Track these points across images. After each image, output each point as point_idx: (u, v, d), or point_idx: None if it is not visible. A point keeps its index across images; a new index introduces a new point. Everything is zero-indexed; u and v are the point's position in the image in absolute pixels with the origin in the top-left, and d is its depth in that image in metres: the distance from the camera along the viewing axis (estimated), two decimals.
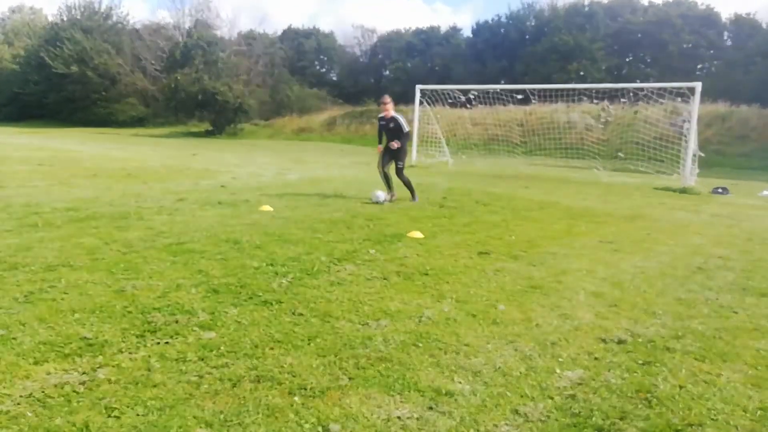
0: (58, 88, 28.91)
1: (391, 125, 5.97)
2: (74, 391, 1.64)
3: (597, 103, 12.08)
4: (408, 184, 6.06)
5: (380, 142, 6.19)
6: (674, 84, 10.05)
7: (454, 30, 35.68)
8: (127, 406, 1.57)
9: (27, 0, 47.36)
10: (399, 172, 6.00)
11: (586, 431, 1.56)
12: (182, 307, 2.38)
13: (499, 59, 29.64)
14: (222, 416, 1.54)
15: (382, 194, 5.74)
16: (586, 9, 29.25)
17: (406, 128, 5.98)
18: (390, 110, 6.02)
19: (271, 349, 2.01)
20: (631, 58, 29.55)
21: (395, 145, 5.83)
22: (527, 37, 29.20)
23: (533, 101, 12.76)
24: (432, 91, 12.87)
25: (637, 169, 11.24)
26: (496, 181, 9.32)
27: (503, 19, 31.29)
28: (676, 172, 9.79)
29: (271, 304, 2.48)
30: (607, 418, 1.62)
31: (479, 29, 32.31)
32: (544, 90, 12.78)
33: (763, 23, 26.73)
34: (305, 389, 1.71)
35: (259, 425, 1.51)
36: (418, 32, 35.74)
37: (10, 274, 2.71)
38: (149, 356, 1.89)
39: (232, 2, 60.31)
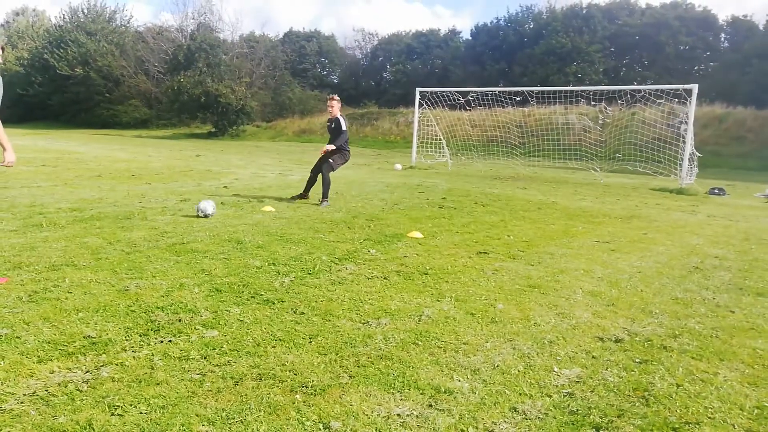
0: (62, 89, 29.06)
1: (333, 125, 5.81)
2: (78, 390, 1.65)
3: (595, 105, 12.13)
4: (327, 185, 5.66)
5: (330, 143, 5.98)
6: (671, 86, 10.09)
7: (454, 33, 35.84)
8: (131, 404, 1.58)
9: (30, 2, 47.62)
10: (328, 167, 5.70)
11: (584, 429, 1.57)
12: (185, 306, 2.40)
13: (498, 61, 29.76)
14: (224, 414, 1.56)
15: (209, 206, 4.52)
16: (584, 11, 29.38)
17: (344, 127, 5.74)
18: (335, 110, 5.76)
19: (273, 347, 2.03)
20: (628, 60, 29.67)
21: (330, 148, 5.61)
22: (525, 39, 29.32)
23: (531, 103, 12.82)
24: (431, 93, 12.93)
25: (635, 170, 11.29)
26: (494, 182, 9.33)
27: (502, 22, 31.45)
28: (674, 173, 9.83)
29: (273, 303, 2.50)
30: (605, 416, 1.64)
31: (478, 32, 32.46)
32: (543, 92, 12.85)
33: (760, 25, 26.86)
34: (307, 387, 1.73)
35: (261, 423, 1.52)
36: (418, 35, 35.87)
37: (14, 274, 2.73)
38: (152, 355, 1.91)
39: (235, 5, 60.55)
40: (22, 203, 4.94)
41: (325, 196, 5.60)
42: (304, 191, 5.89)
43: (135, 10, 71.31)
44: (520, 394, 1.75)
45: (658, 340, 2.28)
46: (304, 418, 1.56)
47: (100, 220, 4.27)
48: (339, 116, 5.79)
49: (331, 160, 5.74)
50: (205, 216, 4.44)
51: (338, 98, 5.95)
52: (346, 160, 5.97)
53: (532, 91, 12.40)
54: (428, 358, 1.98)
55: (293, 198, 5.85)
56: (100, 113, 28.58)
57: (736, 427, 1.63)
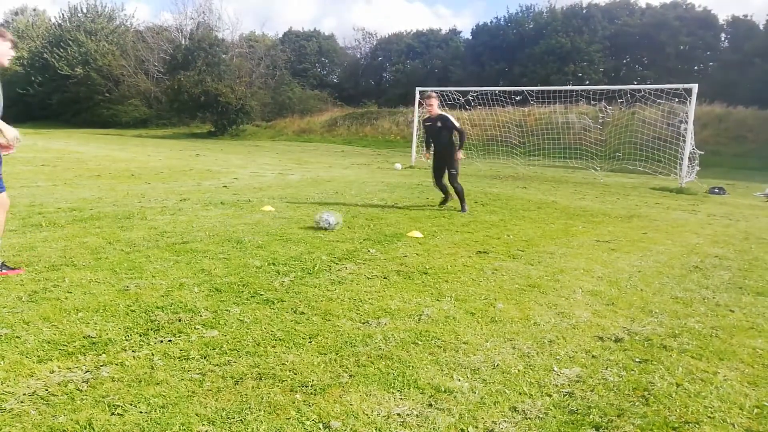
0: (62, 89, 29.07)
1: (439, 124, 5.13)
2: (78, 389, 1.65)
3: (594, 105, 12.14)
4: (460, 193, 5.31)
5: (428, 148, 5.40)
6: (671, 86, 10.10)
7: (454, 32, 35.83)
8: (131, 404, 1.58)
9: (30, 2, 47.61)
10: (453, 178, 5.28)
11: (583, 428, 1.57)
12: (185, 305, 2.40)
13: (498, 61, 29.75)
14: (224, 413, 1.56)
15: (331, 217, 4.19)
16: (584, 11, 29.36)
17: (458, 124, 5.14)
18: (435, 108, 5.17)
19: (273, 347, 2.03)
20: (628, 60, 29.66)
21: (460, 155, 5.13)
22: (525, 39, 29.31)
23: (531, 103, 12.83)
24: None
25: (635, 169, 11.29)
26: (494, 182, 9.34)
27: (502, 22, 31.46)
28: (673, 173, 9.84)
29: (273, 302, 2.51)
30: (605, 416, 1.64)
31: (478, 32, 32.45)
32: (542, 92, 12.85)
33: (760, 25, 26.86)
34: (307, 386, 1.73)
35: (261, 422, 1.52)
36: (418, 34, 35.86)
37: (14, 273, 2.74)
38: (152, 354, 1.91)
39: (235, 5, 60.51)
40: (21, 203, 4.94)
41: (463, 202, 5.34)
42: (444, 195, 5.45)
43: (135, 9, 71.32)
44: (520, 394, 1.76)
45: (658, 339, 2.28)
46: (304, 418, 1.56)
47: (100, 219, 4.27)
48: (443, 113, 5.21)
49: (453, 170, 5.25)
50: (328, 226, 4.09)
51: (435, 94, 5.29)
52: (459, 156, 5.40)
53: (532, 91, 12.40)
54: (428, 358, 1.99)
55: (441, 204, 5.41)
56: (101, 113, 28.58)
57: (736, 426, 1.63)
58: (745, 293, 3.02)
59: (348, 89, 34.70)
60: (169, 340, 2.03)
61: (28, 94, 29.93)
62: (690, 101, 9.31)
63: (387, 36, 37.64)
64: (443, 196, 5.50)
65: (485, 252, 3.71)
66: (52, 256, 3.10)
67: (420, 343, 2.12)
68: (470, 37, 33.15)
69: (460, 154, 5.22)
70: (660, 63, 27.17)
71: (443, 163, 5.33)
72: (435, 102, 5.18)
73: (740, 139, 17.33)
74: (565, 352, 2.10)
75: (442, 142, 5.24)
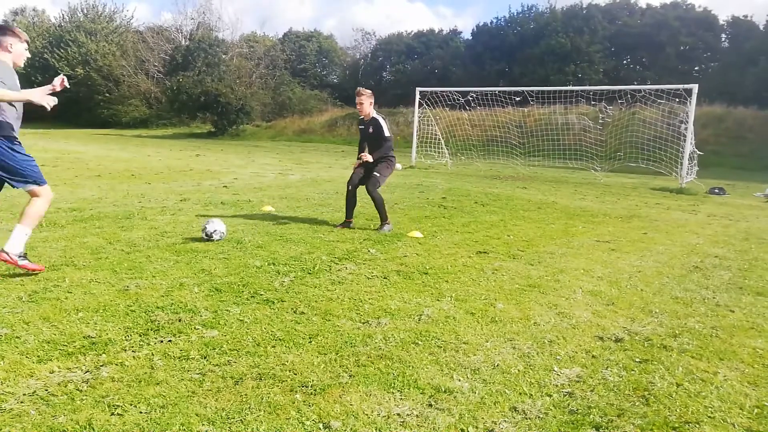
0: (63, 89, 29.04)
1: (370, 130, 4.23)
2: (78, 390, 1.65)
3: (595, 105, 12.15)
4: (381, 204, 4.28)
5: (361, 152, 4.40)
6: (671, 86, 10.12)
7: (454, 33, 35.89)
8: (131, 404, 1.58)
9: (30, 2, 47.66)
10: (374, 182, 4.22)
11: (583, 428, 1.57)
12: (185, 305, 2.40)
13: (498, 62, 29.77)
14: (224, 413, 1.56)
15: (218, 226, 3.67)
16: (584, 12, 29.39)
17: (387, 132, 4.22)
18: (365, 107, 4.19)
19: (273, 347, 2.03)
20: (628, 60, 29.70)
21: (368, 158, 4.16)
22: (525, 39, 29.33)
23: (531, 103, 12.83)
24: (431, 93, 12.94)
25: (638, 167, 11.29)
26: (494, 182, 9.35)
27: (502, 22, 31.51)
28: (674, 172, 9.85)
29: (273, 302, 2.51)
30: (605, 416, 1.64)
31: (478, 32, 32.51)
32: (542, 92, 12.86)
33: (761, 25, 26.88)
34: (307, 387, 1.73)
35: (261, 422, 1.52)
36: (418, 35, 35.91)
37: (14, 274, 2.73)
38: (152, 354, 1.91)
39: (235, 5, 60.57)
40: (21, 203, 4.92)
41: (384, 218, 4.32)
42: (347, 217, 4.41)
43: (135, 10, 71.38)
44: (520, 394, 1.75)
45: (658, 339, 2.28)
46: (304, 418, 1.56)
47: (100, 219, 4.28)
48: (376, 116, 4.26)
49: (377, 173, 4.24)
50: (210, 238, 3.62)
51: (369, 91, 4.25)
52: (393, 168, 4.42)
53: (532, 91, 12.41)
54: (428, 358, 1.99)
55: (340, 226, 4.38)
56: (101, 113, 28.62)
57: (736, 426, 1.63)
58: (745, 293, 3.02)
59: (348, 89, 34.57)
60: (169, 340, 2.03)
61: None
62: (690, 101, 9.33)
63: (387, 36, 37.71)
64: (347, 214, 4.39)
65: (485, 252, 3.71)
66: (53, 256, 3.11)
67: (420, 343, 2.12)
68: (470, 38, 33.19)
69: (367, 157, 4.20)
70: (660, 63, 27.19)
71: (371, 169, 4.29)
72: (366, 100, 4.17)
73: (740, 140, 17.33)
74: (566, 352, 2.10)
75: (373, 147, 4.27)
